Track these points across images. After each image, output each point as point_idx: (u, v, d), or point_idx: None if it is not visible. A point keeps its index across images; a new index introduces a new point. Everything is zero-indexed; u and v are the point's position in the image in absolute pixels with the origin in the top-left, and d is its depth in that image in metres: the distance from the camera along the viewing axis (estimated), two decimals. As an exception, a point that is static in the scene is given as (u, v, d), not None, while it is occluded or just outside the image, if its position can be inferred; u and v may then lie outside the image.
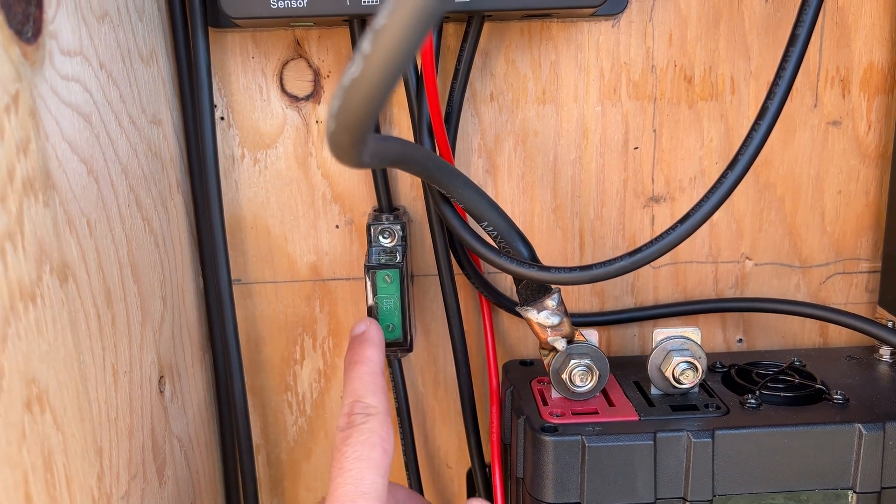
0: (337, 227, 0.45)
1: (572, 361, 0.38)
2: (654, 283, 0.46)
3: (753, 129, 0.33)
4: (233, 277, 0.44)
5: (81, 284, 0.30)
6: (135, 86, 0.36)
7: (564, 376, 0.38)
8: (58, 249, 0.28)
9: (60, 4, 0.29)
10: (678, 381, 0.39)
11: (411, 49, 0.18)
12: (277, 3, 0.36)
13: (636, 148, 0.44)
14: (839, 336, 0.48)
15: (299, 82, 0.43)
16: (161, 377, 0.38)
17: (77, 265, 0.30)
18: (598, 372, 0.38)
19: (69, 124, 0.29)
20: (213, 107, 0.40)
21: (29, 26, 0.27)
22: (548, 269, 0.35)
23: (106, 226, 0.32)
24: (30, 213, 0.26)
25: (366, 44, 0.18)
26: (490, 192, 0.45)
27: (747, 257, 0.46)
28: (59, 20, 0.29)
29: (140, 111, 0.36)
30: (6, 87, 0.25)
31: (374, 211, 0.44)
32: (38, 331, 0.27)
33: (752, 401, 0.39)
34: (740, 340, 0.48)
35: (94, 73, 0.32)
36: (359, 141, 0.22)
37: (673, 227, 0.34)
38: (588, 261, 0.46)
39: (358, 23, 0.39)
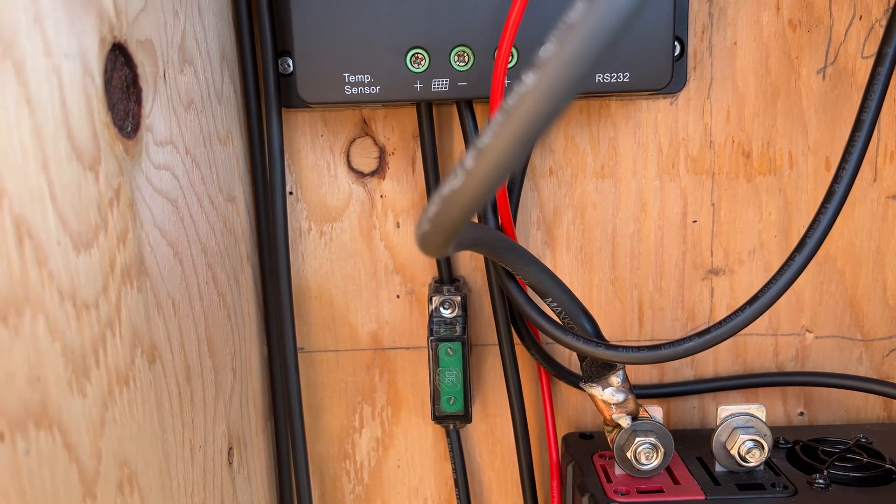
0: (398, 296, 0.46)
1: (637, 439, 0.38)
2: (714, 356, 0.46)
3: (820, 212, 0.34)
4: (297, 346, 0.45)
5: (166, 364, 0.31)
6: (214, 167, 0.38)
7: (629, 454, 0.38)
8: (148, 332, 0.29)
9: (156, 98, 0.31)
10: (744, 460, 0.39)
11: (510, 167, 0.19)
12: (351, 89, 0.37)
13: (695, 221, 0.45)
14: (904, 410, 0.47)
15: (365, 159, 0.44)
16: (230, 449, 0.39)
17: (163, 345, 0.31)
18: (663, 450, 0.38)
19: (160, 211, 0.31)
20: (284, 184, 0.42)
21: (129, 121, 0.29)
22: (615, 347, 0.36)
23: (188, 305, 0.34)
24: (126, 300, 0.28)
25: (469, 160, 0.19)
26: (548, 264, 0.45)
27: (808, 330, 0.46)
28: (155, 113, 0.31)
29: (217, 190, 0.38)
30: (111, 183, 0.27)
31: (435, 282, 0.45)
32: (130, 413, 0.28)
33: (821, 480, 0.38)
34: (801, 414, 0.47)
35: (181, 160, 0.33)
36: (449, 242, 0.23)
37: (741, 309, 0.34)
38: (647, 333, 0.46)
39: (424, 104, 0.41)
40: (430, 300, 0.44)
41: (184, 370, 0.33)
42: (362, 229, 0.45)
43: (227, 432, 0.39)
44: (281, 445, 0.45)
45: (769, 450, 0.39)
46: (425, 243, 0.23)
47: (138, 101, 0.29)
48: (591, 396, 0.39)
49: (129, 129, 0.29)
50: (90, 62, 0.26)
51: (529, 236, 0.45)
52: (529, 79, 0.17)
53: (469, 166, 0.19)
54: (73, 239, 0.24)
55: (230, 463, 0.39)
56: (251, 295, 0.43)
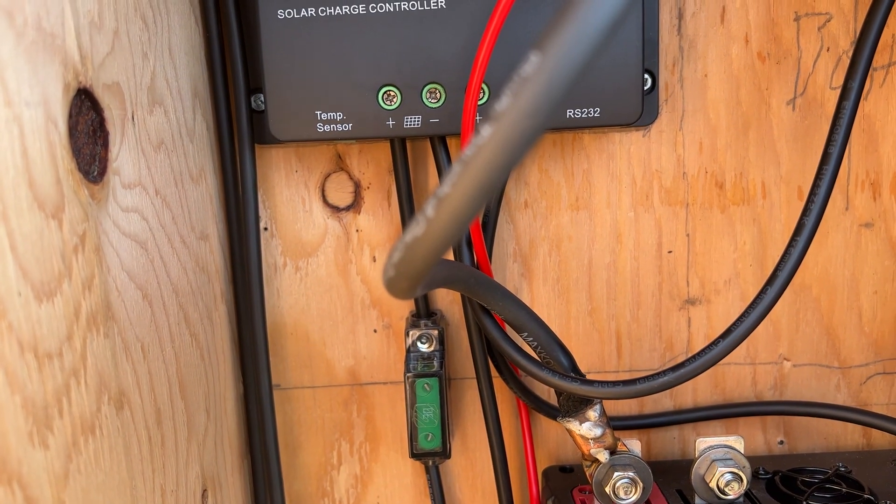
0: (375, 331, 0.46)
1: (616, 473, 0.38)
2: (693, 386, 0.46)
3: (791, 245, 0.34)
4: (273, 383, 0.44)
5: (135, 409, 0.31)
6: (185, 206, 0.37)
7: (608, 489, 0.38)
8: (115, 378, 0.29)
9: (124, 141, 0.31)
10: (723, 493, 0.38)
11: (471, 215, 0.19)
12: (323, 127, 0.37)
13: (670, 252, 0.45)
14: (883, 437, 0.47)
15: (340, 193, 0.44)
16: (204, 490, 0.38)
17: (132, 390, 0.30)
18: (641, 484, 0.38)
19: (128, 254, 0.31)
20: (258, 220, 0.41)
21: (95, 166, 0.29)
22: (591, 383, 0.36)
23: (158, 347, 0.33)
24: (92, 346, 0.27)
25: (429, 208, 0.19)
26: (525, 296, 0.45)
27: (785, 358, 0.46)
28: (122, 156, 0.31)
29: (189, 230, 0.38)
30: (75, 230, 0.26)
31: (412, 316, 0.45)
32: (96, 462, 0.27)
33: (800, 512, 0.38)
34: (781, 442, 0.47)
35: (151, 201, 0.33)
36: (416, 286, 0.23)
37: (715, 343, 0.34)
38: (626, 363, 0.46)
39: (398, 139, 0.41)
40: (408, 334, 0.43)
41: (154, 414, 0.32)
42: (338, 264, 0.45)
43: (201, 474, 0.38)
44: (258, 484, 0.45)
45: (748, 482, 0.38)
46: (392, 288, 0.23)
47: (105, 145, 0.29)
48: (569, 431, 0.38)
49: (95, 173, 0.29)
50: (53, 109, 0.25)
51: (506, 269, 0.45)
52: (486, 131, 0.17)
53: (430, 215, 0.19)
54: (35, 289, 0.24)
55: (204, 506, 0.38)
56: (225, 333, 0.42)
